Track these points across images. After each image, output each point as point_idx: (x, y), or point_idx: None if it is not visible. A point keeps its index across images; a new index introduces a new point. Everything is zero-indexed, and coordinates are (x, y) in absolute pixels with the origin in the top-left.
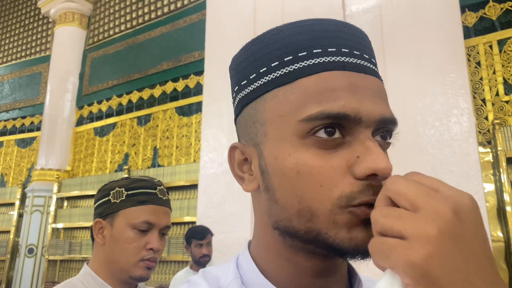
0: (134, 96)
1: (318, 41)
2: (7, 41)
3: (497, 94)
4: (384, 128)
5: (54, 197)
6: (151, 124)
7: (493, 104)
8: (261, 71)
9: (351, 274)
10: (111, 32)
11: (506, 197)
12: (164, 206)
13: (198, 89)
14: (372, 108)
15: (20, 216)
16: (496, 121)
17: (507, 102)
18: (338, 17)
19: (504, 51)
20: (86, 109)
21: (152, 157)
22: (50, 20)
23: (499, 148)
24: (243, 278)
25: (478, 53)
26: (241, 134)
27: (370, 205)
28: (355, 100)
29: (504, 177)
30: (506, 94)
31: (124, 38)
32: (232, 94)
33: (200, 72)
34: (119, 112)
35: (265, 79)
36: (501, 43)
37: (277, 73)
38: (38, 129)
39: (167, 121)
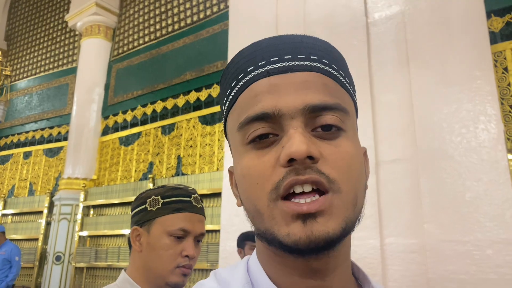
0: (158, 106)
1: (252, 60)
2: (35, 54)
3: None
4: (320, 115)
5: (81, 206)
6: (175, 133)
7: None
8: (224, 101)
9: (363, 281)
10: (136, 44)
11: None
12: (199, 214)
13: None
14: (293, 99)
15: (48, 224)
16: None
17: None
18: (361, 24)
19: None
20: (112, 119)
21: (176, 165)
22: (77, 33)
23: None
24: (253, 282)
25: (505, 58)
26: None
27: (300, 194)
28: (273, 98)
29: None
30: None
31: (148, 49)
32: None
33: None
34: (144, 122)
35: (225, 107)
36: None
37: (229, 99)
38: (65, 139)
39: (191, 130)
